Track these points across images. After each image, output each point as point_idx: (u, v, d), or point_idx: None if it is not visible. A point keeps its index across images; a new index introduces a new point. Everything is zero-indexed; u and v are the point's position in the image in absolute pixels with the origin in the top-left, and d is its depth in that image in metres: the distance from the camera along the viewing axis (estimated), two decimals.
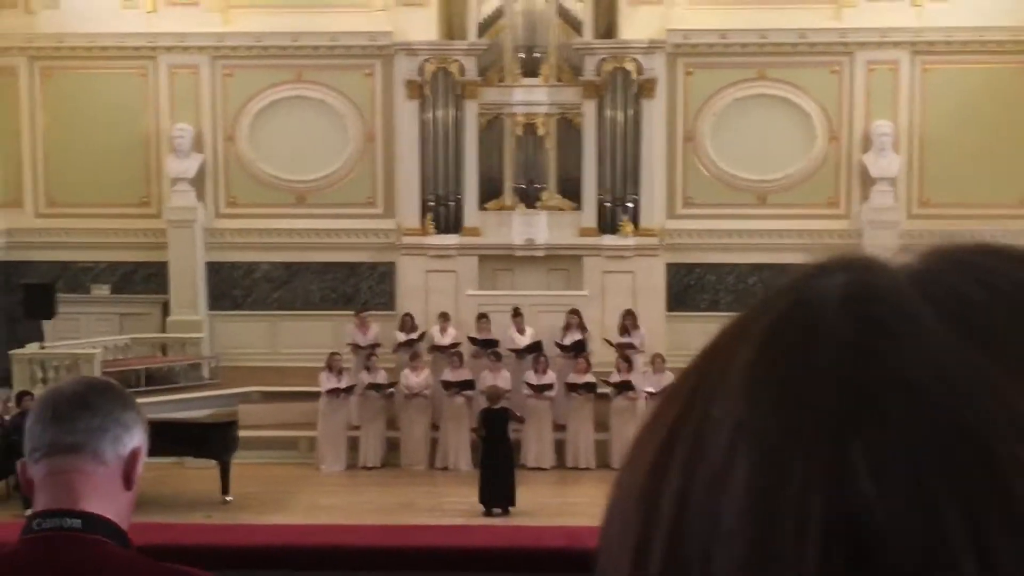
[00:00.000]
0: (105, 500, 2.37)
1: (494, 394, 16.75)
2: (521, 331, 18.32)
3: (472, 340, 18.30)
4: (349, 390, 17.96)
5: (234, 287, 21.18)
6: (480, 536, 3.93)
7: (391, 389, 18.13)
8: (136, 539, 2.43)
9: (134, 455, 2.40)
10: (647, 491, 0.61)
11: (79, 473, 2.36)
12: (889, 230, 20.20)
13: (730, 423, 0.58)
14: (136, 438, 2.41)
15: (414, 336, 18.77)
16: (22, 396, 17.14)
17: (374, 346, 18.72)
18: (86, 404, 2.38)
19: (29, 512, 2.39)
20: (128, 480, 2.40)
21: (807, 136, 20.72)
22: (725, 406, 0.59)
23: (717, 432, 0.59)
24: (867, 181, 20.43)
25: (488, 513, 16.04)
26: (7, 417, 16.83)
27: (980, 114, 20.17)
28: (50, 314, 19.06)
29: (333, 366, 17.98)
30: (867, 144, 20.43)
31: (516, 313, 18.36)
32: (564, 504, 16.49)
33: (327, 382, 17.92)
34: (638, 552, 0.60)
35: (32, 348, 19.08)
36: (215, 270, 21.04)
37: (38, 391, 17.63)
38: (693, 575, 0.58)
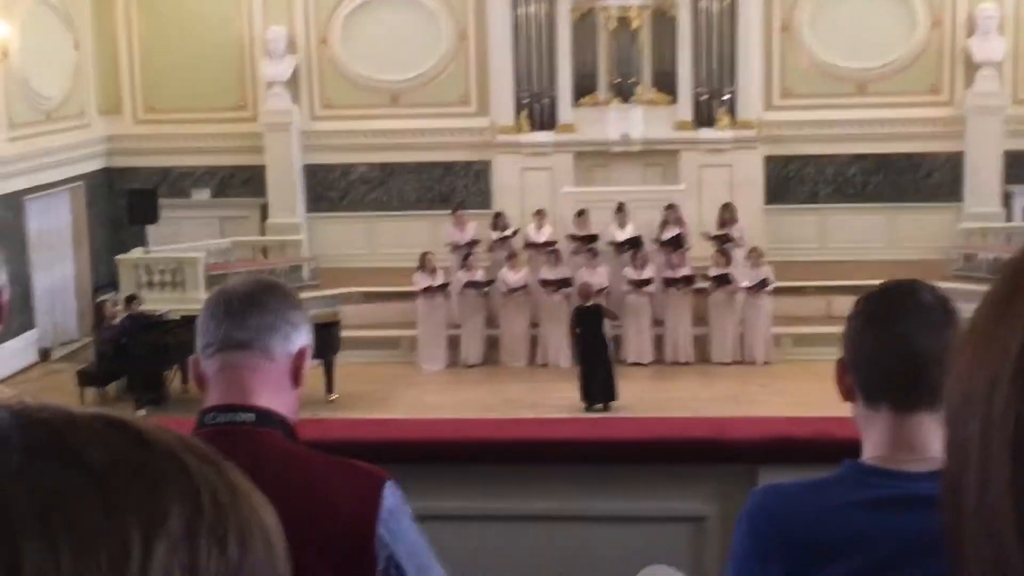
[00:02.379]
0: (275, 396, 2.42)
1: (586, 291, 16.76)
2: (623, 226, 18.26)
3: (571, 237, 18.28)
4: (443, 288, 18.08)
5: (331, 189, 21.32)
6: (611, 428, 3.96)
7: (487, 287, 18.21)
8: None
9: (301, 353, 2.45)
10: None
11: (250, 369, 2.41)
12: (994, 116, 19.74)
13: None
14: (303, 337, 2.46)
15: (507, 234, 18.79)
16: (130, 299, 17.52)
17: (472, 244, 18.78)
18: (256, 302, 2.42)
19: (202, 409, 2.44)
20: (296, 377, 2.45)
21: (908, 22, 20.20)
22: None
23: None
24: (971, 66, 19.91)
25: (589, 408, 16.16)
26: (117, 320, 17.23)
27: None
28: (153, 219, 19.37)
29: (426, 265, 18.09)
30: (971, 28, 19.87)
31: (620, 208, 18.28)
32: (664, 399, 16.55)
33: (421, 281, 18.04)
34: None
35: (136, 253, 19.44)
36: (312, 172, 21.18)
37: (144, 294, 18.01)
38: None
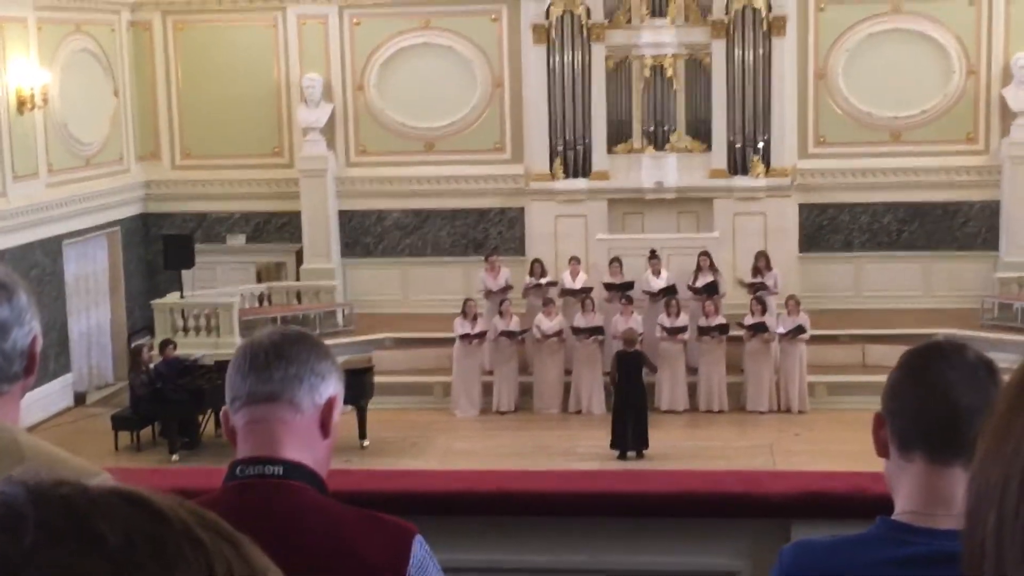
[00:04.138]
0: (304, 448, 2.41)
1: (630, 337, 16.72)
2: (657, 273, 18.24)
3: (608, 285, 18.27)
4: (482, 335, 18.08)
5: (365, 235, 21.41)
6: (643, 481, 3.94)
7: (523, 335, 18.20)
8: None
9: (330, 404, 2.44)
10: None
11: (278, 421, 2.40)
12: None
13: None
14: (332, 387, 2.45)
15: (542, 281, 18.81)
16: (165, 344, 17.60)
17: (505, 290, 18.80)
18: (282, 354, 2.42)
19: (232, 461, 2.44)
20: (325, 428, 2.44)
21: (943, 70, 20.17)
22: None
23: None
24: (1007, 115, 19.84)
25: (622, 457, 16.08)
26: (152, 365, 17.31)
27: None
28: (189, 264, 19.49)
29: (468, 312, 18.11)
30: (1007, 77, 19.82)
31: (653, 255, 18.28)
32: (697, 447, 16.47)
33: (460, 328, 18.05)
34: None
35: (172, 298, 19.56)
36: (347, 218, 21.29)
37: (178, 339, 18.10)
38: None
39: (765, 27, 19.80)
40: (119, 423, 17.01)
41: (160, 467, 15.46)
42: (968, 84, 20.16)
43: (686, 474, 4.75)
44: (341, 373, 2.50)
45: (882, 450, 2.27)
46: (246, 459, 2.40)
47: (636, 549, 3.41)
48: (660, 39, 20.05)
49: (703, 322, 17.73)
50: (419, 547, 2.37)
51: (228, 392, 2.45)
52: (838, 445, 14.78)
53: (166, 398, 16.53)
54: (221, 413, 2.49)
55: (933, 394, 2.19)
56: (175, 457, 16.24)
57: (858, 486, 3.14)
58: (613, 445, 16.15)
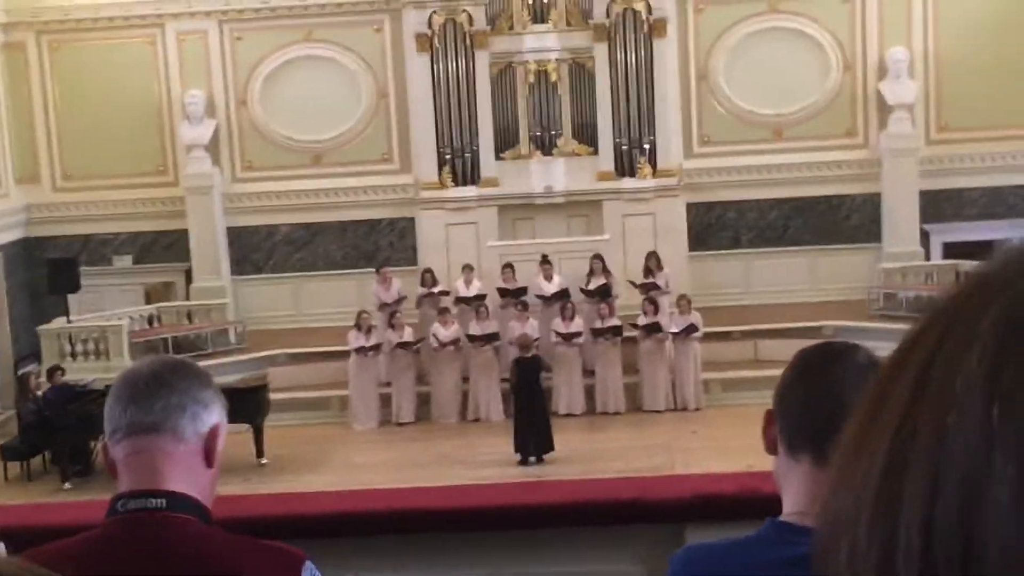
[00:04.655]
0: (187, 478, 2.36)
1: (525, 343, 16.76)
2: (549, 278, 18.31)
3: (502, 291, 18.29)
4: (377, 347, 18.00)
5: (255, 251, 21.20)
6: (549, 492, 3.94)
7: (418, 346, 18.16)
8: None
9: (213, 432, 2.39)
10: (892, 462, 0.59)
11: (160, 452, 2.35)
12: (909, 157, 20.10)
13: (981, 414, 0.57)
14: (215, 415, 2.40)
15: (435, 290, 18.78)
16: (52, 371, 17.23)
17: (399, 301, 18.73)
18: (163, 383, 2.37)
19: (114, 494, 2.38)
20: (209, 457, 2.39)
21: (821, 67, 20.55)
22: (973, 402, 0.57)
23: (968, 418, 0.57)
24: (884, 109, 20.28)
25: (524, 462, 16.10)
26: (40, 392, 16.94)
27: (995, 35, 19.96)
28: (75, 288, 19.11)
29: (362, 325, 18.01)
30: (882, 71, 20.26)
31: (544, 260, 18.35)
32: (597, 450, 16.55)
33: (355, 341, 17.95)
34: (885, 516, 0.58)
35: (59, 323, 19.15)
36: (235, 235, 21.05)
37: (67, 365, 17.74)
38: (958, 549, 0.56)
39: (646, 29, 20.00)
40: (8, 453, 16.63)
41: (49, 499, 15.14)
42: (845, 80, 20.57)
43: (578, 484, 4.77)
44: (224, 401, 2.45)
45: (771, 447, 2.28)
46: (128, 492, 2.34)
47: (533, 560, 3.41)
48: (543, 44, 20.15)
49: (597, 324, 17.84)
50: (308, 573, 2.34)
51: (108, 424, 2.40)
52: (735, 441, 14.93)
53: (55, 425, 16.18)
54: (100, 446, 2.43)
55: (822, 394, 2.20)
56: (67, 485, 15.90)
57: (749, 487, 3.16)
58: (517, 450, 16.17)
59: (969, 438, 0.56)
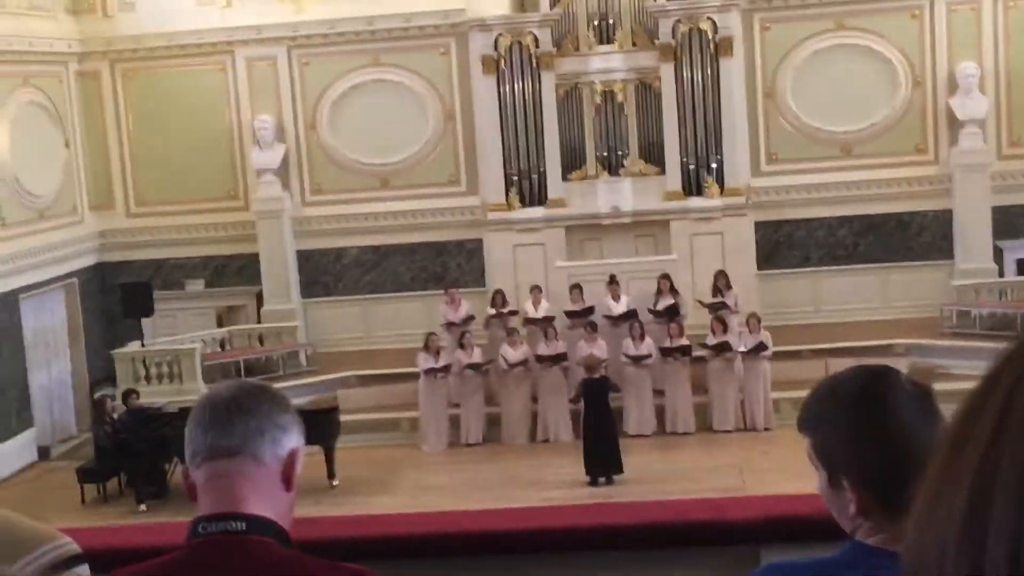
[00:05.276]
0: (266, 501, 2.39)
1: (593, 363, 16.72)
2: (616, 298, 18.28)
3: (569, 312, 18.27)
4: (446, 369, 18.04)
5: (325, 273, 21.37)
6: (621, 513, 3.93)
7: (487, 367, 18.18)
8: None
9: (292, 456, 2.42)
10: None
11: (240, 476, 2.38)
12: (980, 173, 19.85)
13: None
14: (293, 439, 2.43)
15: (505, 311, 18.80)
16: (127, 394, 17.46)
17: (467, 322, 18.78)
18: (241, 407, 2.40)
19: (194, 516, 2.42)
20: (287, 481, 2.42)
21: (890, 83, 20.38)
22: None
23: None
24: (955, 125, 20.06)
25: (593, 483, 16.05)
26: (115, 415, 17.16)
27: None
28: (148, 312, 19.37)
29: (431, 346, 18.06)
30: (953, 87, 20.05)
31: (612, 280, 18.33)
32: (667, 470, 16.46)
33: (424, 362, 18.00)
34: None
35: (133, 347, 19.41)
36: (305, 258, 21.24)
37: (141, 388, 17.97)
38: None
39: (712, 48, 19.94)
40: (85, 476, 16.84)
41: (126, 521, 15.34)
42: (915, 95, 20.38)
43: (652, 505, 4.75)
44: (302, 425, 2.48)
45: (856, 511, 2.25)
46: (208, 515, 2.37)
47: None
48: (609, 65, 20.16)
49: (666, 344, 17.76)
50: None
51: (188, 448, 2.43)
52: (806, 462, 14.77)
53: (131, 448, 16.38)
54: (181, 470, 2.47)
55: (882, 432, 2.17)
56: (143, 507, 16.09)
57: (824, 508, 3.14)
58: (586, 471, 16.13)
59: None
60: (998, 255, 20.12)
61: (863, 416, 2.20)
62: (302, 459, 2.46)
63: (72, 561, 2.39)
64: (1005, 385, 0.61)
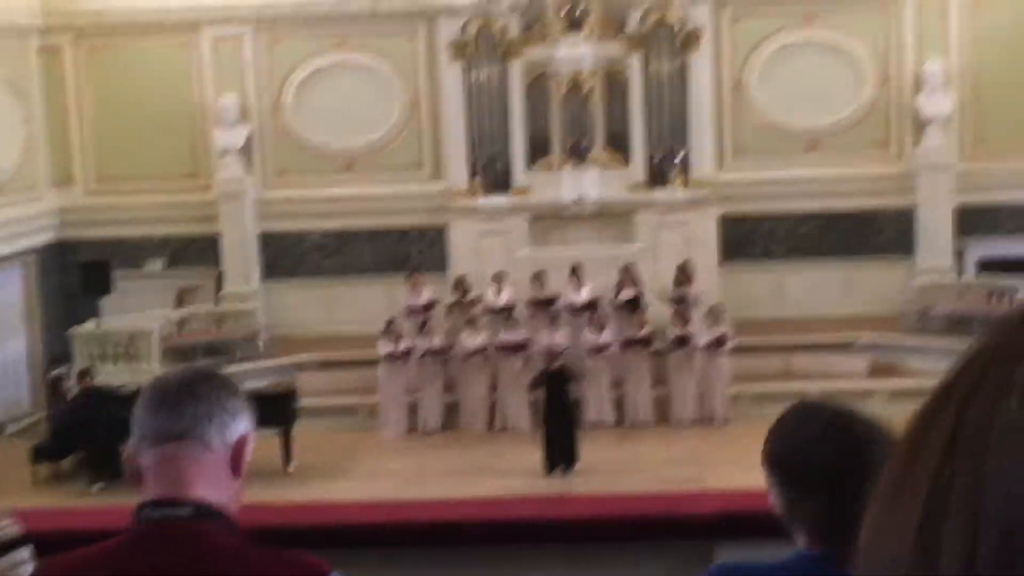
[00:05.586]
0: (214, 487, 2.35)
1: (552, 353, 16.72)
2: (579, 288, 18.27)
3: (532, 301, 18.25)
4: (407, 353, 18.00)
5: (286, 257, 21.24)
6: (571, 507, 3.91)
7: (448, 353, 18.15)
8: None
9: (241, 442, 2.38)
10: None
11: (187, 460, 2.34)
12: (944, 172, 19.97)
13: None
14: (242, 425, 2.39)
15: (466, 299, 18.76)
16: (83, 373, 17.31)
17: (429, 307, 18.73)
18: (191, 392, 2.36)
19: (139, 502, 2.37)
20: (236, 467, 2.38)
21: (856, 80, 20.45)
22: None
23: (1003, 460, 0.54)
24: (919, 123, 20.15)
25: (550, 472, 16.06)
26: (70, 395, 17.02)
27: None
28: (106, 291, 19.19)
29: (391, 331, 18.02)
30: (918, 85, 20.14)
31: (574, 271, 18.31)
32: (624, 461, 16.49)
33: (384, 347, 17.96)
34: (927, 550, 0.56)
35: (90, 326, 19.24)
36: (267, 240, 21.10)
37: (98, 367, 17.82)
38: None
39: (680, 40, 19.95)
40: (38, 455, 16.70)
41: (79, 501, 15.21)
42: (881, 93, 20.45)
43: (608, 499, 4.73)
44: (252, 411, 2.44)
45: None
46: (154, 500, 2.33)
47: (562, 574, 3.37)
48: (577, 54, 20.12)
49: (628, 335, 17.78)
50: None
51: (135, 431, 2.39)
52: None
53: (86, 428, 16.24)
54: (126, 454, 2.42)
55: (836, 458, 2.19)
56: (96, 488, 15.96)
57: None
58: (545, 461, 16.13)
59: (1011, 486, 0.54)
60: (959, 254, 20.24)
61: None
62: (252, 445, 2.42)
63: (14, 543, 2.34)
64: (960, 392, 0.57)
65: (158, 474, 2.35)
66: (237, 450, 2.38)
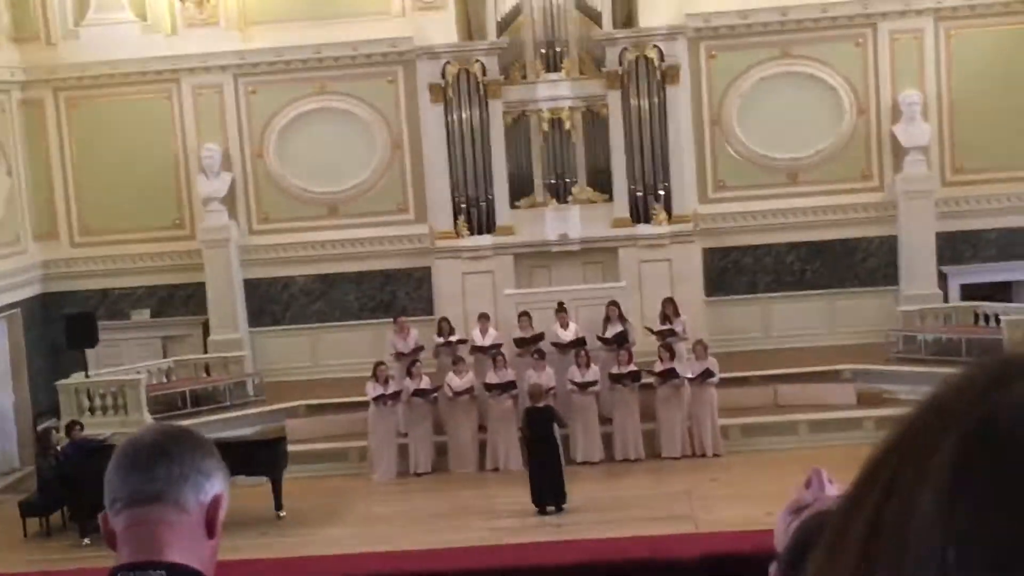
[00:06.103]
0: (189, 549, 2.33)
1: (536, 392, 16.69)
2: (565, 326, 18.26)
3: (518, 340, 18.23)
4: (395, 396, 17.96)
5: (272, 303, 21.22)
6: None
7: (435, 394, 18.11)
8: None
9: (216, 502, 2.36)
10: None
11: (161, 523, 2.32)
12: (924, 199, 20.05)
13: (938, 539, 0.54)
14: (217, 485, 2.37)
15: (452, 339, 18.74)
16: (71, 426, 17.22)
17: (416, 351, 18.70)
18: (165, 452, 2.34)
19: (113, 565, 2.35)
20: (211, 528, 2.36)
21: (835, 111, 20.55)
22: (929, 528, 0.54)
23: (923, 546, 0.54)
24: (899, 152, 20.26)
25: (542, 512, 15.99)
26: (59, 447, 16.93)
27: (1008, 76, 19.96)
28: (92, 342, 19.13)
29: (379, 375, 17.98)
30: (896, 114, 20.25)
31: (560, 308, 18.31)
32: (615, 498, 16.45)
33: (373, 391, 17.92)
34: None
35: (77, 377, 19.15)
36: (252, 287, 21.08)
37: (85, 420, 17.74)
38: None
39: (659, 76, 20.04)
40: (27, 509, 16.60)
41: (68, 555, 15.12)
42: (859, 123, 20.56)
43: (590, 543, 4.72)
44: (226, 470, 2.42)
45: None
46: (127, 564, 2.31)
47: None
48: (556, 92, 20.21)
49: (615, 370, 17.76)
50: None
51: (107, 494, 2.37)
52: (755, 487, 14.85)
53: (74, 481, 16.13)
54: (100, 517, 2.39)
55: None
56: (86, 541, 15.85)
57: (765, 547, 3.11)
58: (534, 501, 16.07)
59: None
60: (943, 280, 20.30)
61: None
62: (226, 506, 2.40)
63: None
64: (879, 481, 0.57)
65: (131, 537, 2.32)
66: (212, 511, 2.36)
